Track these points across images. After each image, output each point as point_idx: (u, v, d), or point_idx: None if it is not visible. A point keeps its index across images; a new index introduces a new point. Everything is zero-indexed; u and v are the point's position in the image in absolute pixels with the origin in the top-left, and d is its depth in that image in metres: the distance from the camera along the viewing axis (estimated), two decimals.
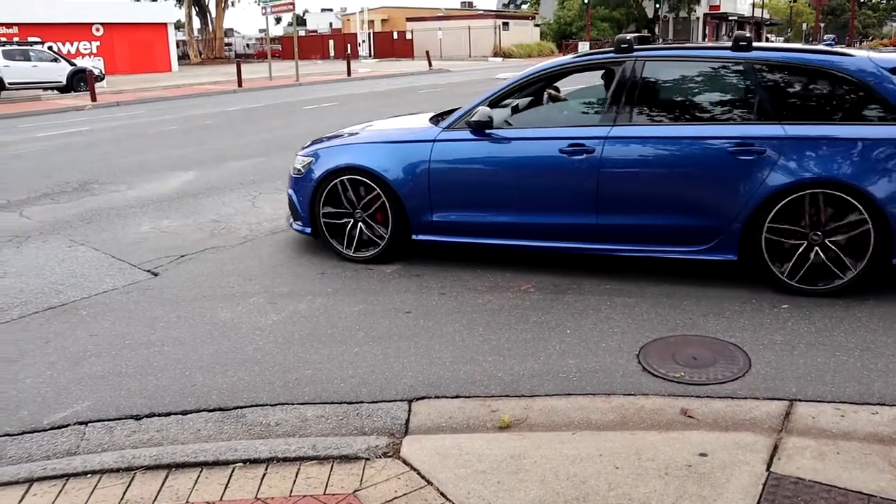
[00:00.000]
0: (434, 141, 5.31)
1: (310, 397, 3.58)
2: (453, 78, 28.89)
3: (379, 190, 5.39)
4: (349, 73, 30.84)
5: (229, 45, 59.53)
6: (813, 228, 4.50)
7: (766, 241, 4.58)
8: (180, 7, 53.55)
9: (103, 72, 29.38)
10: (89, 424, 3.45)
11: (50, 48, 28.96)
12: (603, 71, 5.66)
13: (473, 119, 5.14)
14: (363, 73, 32.82)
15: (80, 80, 25.83)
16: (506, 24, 50.32)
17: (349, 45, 48.08)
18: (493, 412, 3.37)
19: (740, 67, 4.80)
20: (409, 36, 50.93)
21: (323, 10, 77.56)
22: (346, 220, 5.59)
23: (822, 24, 56.67)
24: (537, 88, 6.02)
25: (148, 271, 5.58)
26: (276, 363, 3.97)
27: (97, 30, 40.50)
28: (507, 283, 5.06)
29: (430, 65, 34.97)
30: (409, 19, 53.86)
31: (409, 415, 3.38)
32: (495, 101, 5.35)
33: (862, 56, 4.66)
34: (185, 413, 3.49)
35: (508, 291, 4.89)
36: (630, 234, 4.91)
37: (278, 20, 46.77)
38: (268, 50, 34.62)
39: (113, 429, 3.41)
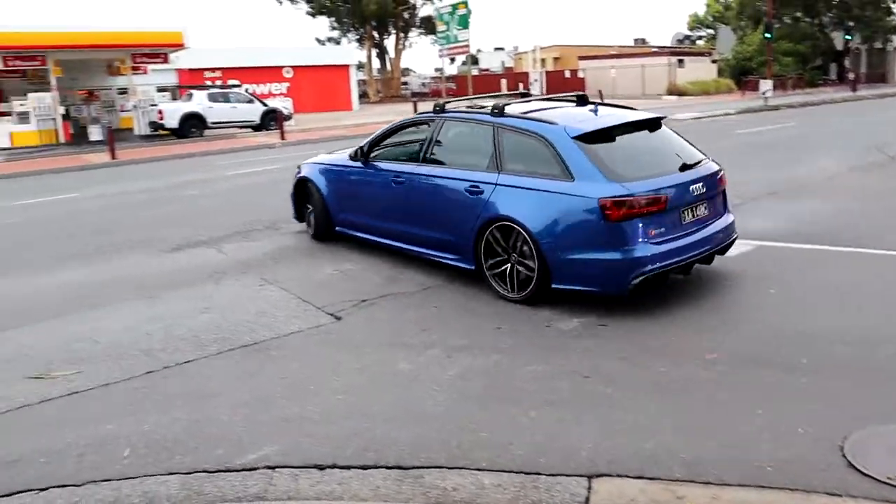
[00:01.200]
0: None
1: (487, 463, 3.56)
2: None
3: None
4: None
5: (405, 84, 62.33)
6: (512, 251, 5.96)
7: (485, 257, 6.16)
8: (361, 49, 56.87)
9: (292, 111, 31.73)
10: (277, 469, 3.62)
11: (246, 90, 31.70)
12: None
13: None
14: None
15: (271, 120, 28.09)
16: (681, 61, 48.86)
17: (521, 84, 48.72)
18: (678, 499, 3.18)
19: (489, 129, 6.35)
20: (581, 74, 50.82)
21: (496, 49, 79.30)
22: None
23: None
24: (393, 138, 7.63)
25: (331, 314, 5.85)
26: (453, 421, 3.99)
27: (287, 72, 43.99)
28: (692, 348, 4.82)
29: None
30: (581, 57, 53.75)
31: (588, 493, 3.27)
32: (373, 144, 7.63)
33: (559, 126, 5.85)
34: (365, 468, 3.58)
35: (693, 359, 4.64)
36: (419, 241, 6.95)
37: (452, 60, 48.35)
38: (442, 89, 35.83)
39: (298, 477, 3.56)
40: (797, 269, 6.61)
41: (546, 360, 4.76)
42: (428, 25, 55.05)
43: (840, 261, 6.81)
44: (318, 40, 59.72)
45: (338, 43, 57.78)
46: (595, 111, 6.47)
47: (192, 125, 26.91)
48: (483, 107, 6.72)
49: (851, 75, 45.01)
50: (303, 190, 8.64)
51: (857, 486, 3.24)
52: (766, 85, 32.62)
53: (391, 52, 58.61)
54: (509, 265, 5.99)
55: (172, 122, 26.65)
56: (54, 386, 4.73)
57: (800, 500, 3.17)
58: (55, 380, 4.83)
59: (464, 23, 36.45)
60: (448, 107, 7.09)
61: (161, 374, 4.87)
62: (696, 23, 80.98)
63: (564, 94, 7.41)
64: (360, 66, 55.47)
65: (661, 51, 56.87)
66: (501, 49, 79.11)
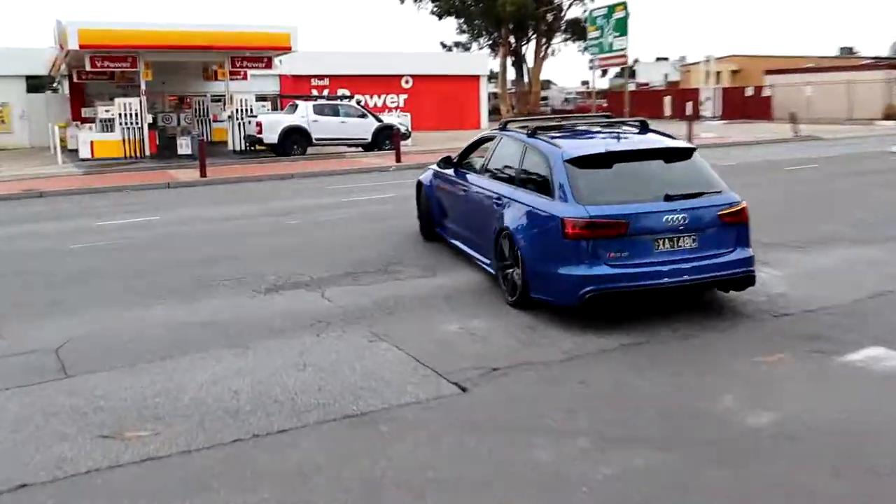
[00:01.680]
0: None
1: None
2: (827, 150, 27.10)
3: None
4: (689, 138, 30.45)
5: (545, 99, 62.68)
6: (511, 258, 7.94)
7: (498, 261, 8.26)
8: (494, 56, 57.71)
9: (409, 129, 32.42)
10: None
11: (358, 102, 32.78)
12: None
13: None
14: (707, 137, 32.26)
15: (385, 138, 28.76)
16: None
17: (690, 103, 47.90)
18: None
19: (521, 147, 8.55)
20: (766, 92, 49.38)
21: (658, 59, 78.57)
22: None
23: None
24: (476, 151, 10.35)
25: (455, 384, 5.79)
26: None
27: (406, 82, 45.22)
28: None
29: (795, 130, 33.35)
30: (768, 72, 52.29)
31: None
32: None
33: (560, 149, 7.73)
34: None
35: None
36: (474, 246, 9.41)
37: (605, 72, 48.19)
38: (591, 105, 35.74)
39: None
40: None
41: (735, 464, 4.47)
42: (576, 30, 55.12)
43: None
44: (444, 45, 60.99)
45: (467, 49, 58.94)
46: (624, 137, 8.51)
47: (295, 141, 27.98)
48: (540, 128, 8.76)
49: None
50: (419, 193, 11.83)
51: None
52: None
53: (530, 61, 59.04)
54: (511, 270, 7.90)
55: (272, 136, 27.68)
56: (127, 449, 4.88)
57: None
58: (129, 441, 4.98)
59: (621, 28, 36.29)
60: (509, 125, 9.51)
61: (250, 443, 4.93)
62: None
63: (629, 118, 9.97)
64: (491, 77, 56.26)
65: (876, 63, 54.46)
66: (665, 59, 78.14)
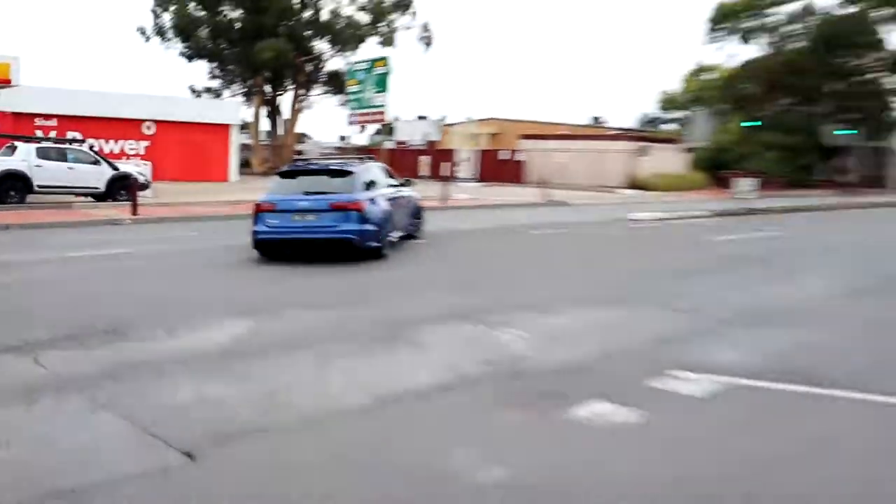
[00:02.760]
0: None
1: None
2: (576, 215, 29.33)
3: None
4: (444, 200, 31.74)
5: (300, 153, 62.89)
6: None
7: None
8: (248, 105, 57.42)
9: (149, 179, 31.43)
10: None
11: (91, 147, 31.38)
12: None
13: None
14: (461, 199, 33.81)
15: (121, 188, 27.65)
16: (644, 148, 51.10)
17: (448, 163, 49.89)
18: None
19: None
20: (520, 156, 52.47)
21: (419, 117, 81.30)
22: None
23: None
24: None
25: (184, 453, 5.68)
26: None
27: (148, 128, 43.90)
28: None
29: (545, 195, 35.73)
30: (522, 136, 55.50)
31: None
32: None
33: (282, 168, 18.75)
34: None
35: None
36: None
37: (363, 128, 49.33)
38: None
39: None
40: (777, 416, 6.82)
41: None
42: (336, 83, 56.16)
43: (828, 406, 7.08)
44: (194, 90, 60.03)
45: (218, 95, 58.27)
46: (324, 164, 19.15)
47: (11, 187, 26.33)
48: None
49: (847, 177, 47.97)
50: None
51: None
52: (746, 184, 34.44)
53: (286, 112, 59.37)
54: None
55: None
56: None
57: None
58: None
59: (382, 84, 37.57)
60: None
61: None
62: (669, 103, 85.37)
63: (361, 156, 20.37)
64: (244, 127, 55.85)
65: (623, 134, 59.51)
66: (425, 118, 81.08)
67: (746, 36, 57.74)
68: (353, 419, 6.49)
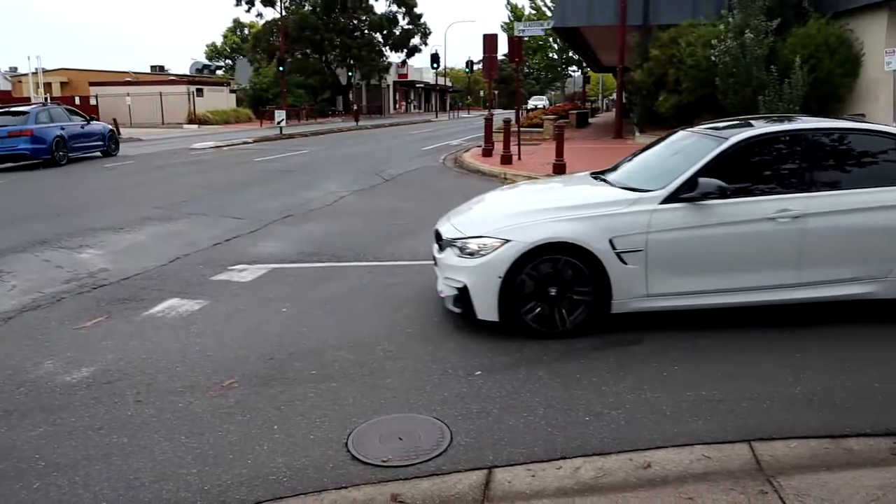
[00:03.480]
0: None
1: None
2: (146, 148, 27.28)
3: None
4: None
5: None
6: None
7: None
8: None
9: None
10: None
11: None
12: None
13: None
14: None
15: None
16: (200, 89, 48.98)
17: None
18: None
19: None
20: (93, 101, 47.21)
21: None
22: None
23: (496, 92, 63.78)
24: None
25: None
26: None
27: None
28: (208, 381, 4.82)
29: (118, 133, 32.69)
30: (92, 83, 50.00)
31: None
32: None
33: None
34: None
35: (210, 391, 4.65)
36: None
37: None
38: None
39: None
40: (306, 286, 7.13)
41: (47, 420, 4.28)
42: None
43: (342, 274, 7.56)
44: None
45: None
46: None
47: None
48: None
49: (355, 107, 50.64)
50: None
51: (361, 474, 3.62)
52: (280, 115, 34.64)
53: None
54: None
55: None
56: None
57: (313, 501, 3.41)
58: None
59: None
60: None
61: None
62: (215, 53, 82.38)
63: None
64: None
65: (181, 79, 56.21)
66: None
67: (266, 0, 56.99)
68: None
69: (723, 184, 5.31)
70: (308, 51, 57.55)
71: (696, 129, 6.41)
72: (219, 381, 4.78)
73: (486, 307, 5.40)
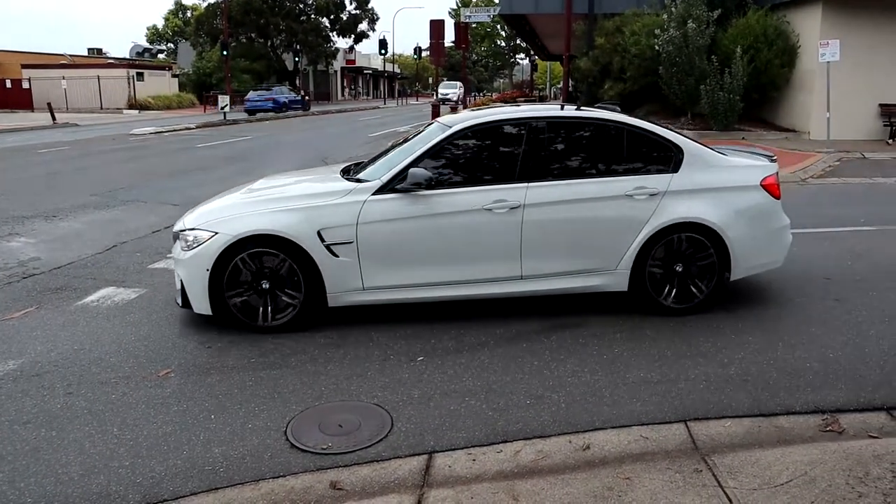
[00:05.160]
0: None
1: None
2: (83, 133, 26.44)
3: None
4: None
5: None
6: None
7: None
8: None
9: None
10: None
11: None
12: None
13: None
14: None
15: None
16: (140, 74, 47.66)
17: None
18: None
19: None
20: (26, 85, 45.49)
21: None
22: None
23: (444, 78, 63.72)
24: None
25: None
26: None
27: None
28: (143, 370, 4.69)
29: (53, 118, 31.63)
30: (25, 66, 48.16)
31: None
32: None
33: None
34: None
35: (145, 381, 4.53)
36: None
37: None
38: None
39: None
40: None
41: None
42: None
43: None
44: None
45: None
46: None
47: None
48: None
49: (302, 93, 49.83)
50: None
51: (300, 462, 3.57)
52: (224, 100, 33.96)
53: None
54: None
55: None
56: None
57: (250, 490, 3.35)
58: None
59: None
60: None
61: None
62: (156, 36, 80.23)
63: None
64: None
65: (120, 63, 54.64)
66: None
67: None
68: None
69: (429, 174, 5.22)
70: (253, 35, 56.52)
71: (443, 119, 6.16)
72: (154, 371, 4.66)
73: (199, 300, 5.26)
